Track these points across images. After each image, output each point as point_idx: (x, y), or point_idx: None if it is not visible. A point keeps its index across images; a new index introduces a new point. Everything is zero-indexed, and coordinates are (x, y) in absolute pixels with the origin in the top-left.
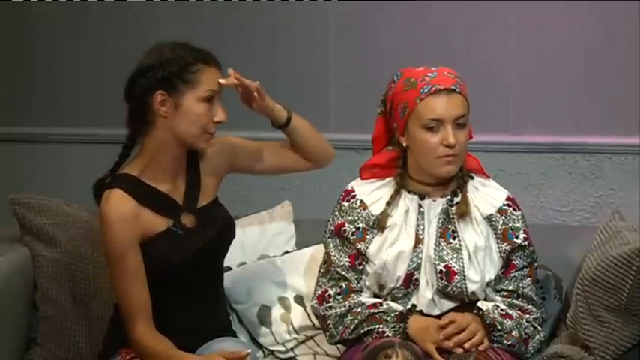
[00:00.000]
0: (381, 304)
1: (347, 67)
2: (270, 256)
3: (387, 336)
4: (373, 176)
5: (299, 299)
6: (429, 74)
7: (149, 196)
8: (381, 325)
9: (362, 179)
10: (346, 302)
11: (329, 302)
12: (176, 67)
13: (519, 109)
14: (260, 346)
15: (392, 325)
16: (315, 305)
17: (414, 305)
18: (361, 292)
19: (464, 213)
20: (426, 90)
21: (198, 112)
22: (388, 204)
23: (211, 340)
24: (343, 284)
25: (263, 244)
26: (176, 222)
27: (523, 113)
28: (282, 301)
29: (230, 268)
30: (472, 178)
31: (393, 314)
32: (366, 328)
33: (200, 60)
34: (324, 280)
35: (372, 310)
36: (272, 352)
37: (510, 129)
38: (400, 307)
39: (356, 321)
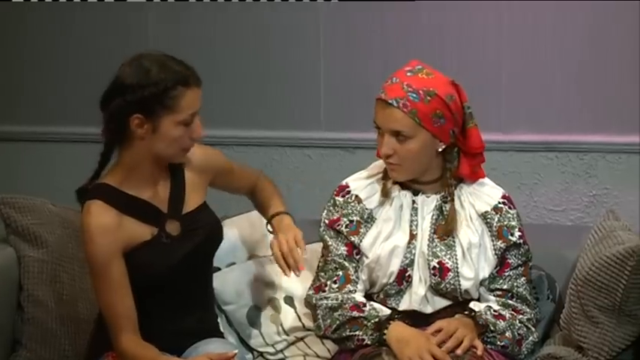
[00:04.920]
0: (365, 306)
1: (337, 65)
2: (260, 257)
3: (367, 344)
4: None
5: (289, 300)
6: (394, 78)
7: (131, 204)
8: (361, 332)
9: (378, 156)
10: (339, 295)
11: (324, 291)
12: (155, 92)
13: (511, 107)
14: (250, 348)
15: (370, 333)
16: (310, 293)
17: (394, 310)
18: (357, 282)
19: (449, 231)
20: (379, 92)
21: (176, 135)
22: (384, 177)
23: (198, 342)
24: (341, 272)
25: (252, 244)
26: (161, 230)
27: (515, 111)
28: (272, 302)
29: (219, 269)
30: (462, 181)
31: (373, 320)
32: (348, 332)
33: (180, 83)
34: (322, 273)
35: (354, 314)
36: (262, 353)
37: (502, 127)
38: (384, 312)
39: (337, 322)
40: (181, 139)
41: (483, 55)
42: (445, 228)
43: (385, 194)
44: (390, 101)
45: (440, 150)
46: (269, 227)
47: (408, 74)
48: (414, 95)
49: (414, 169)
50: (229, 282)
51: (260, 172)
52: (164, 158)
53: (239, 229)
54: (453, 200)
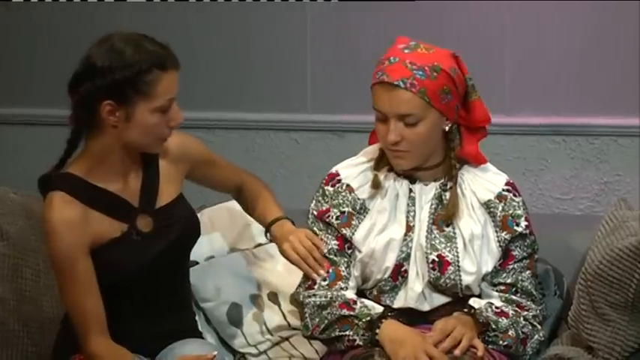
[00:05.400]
0: (355, 303)
1: (325, 45)
2: (242, 250)
3: (358, 345)
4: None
5: (273, 297)
6: (391, 58)
7: (98, 197)
8: (352, 332)
9: (370, 143)
10: (328, 293)
11: (313, 289)
12: (128, 76)
13: (515, 87)
14: (231, 349)
15: (361, 333)
16: (299, 290)
17: (388, 308)
18: (349, 279)
19: (449, 217)
20: (377, 76)
21: (152, 123)
22: (376, 167)
23: (174, 342)
24: (331, 269)
25: (233, 235)
26: (131, 227)
27: (520, 91)
28: (255, 299)
29: (197, 263)
30: (466, 163)
31: (364, 319)
32: (337, 332)
33: (156, 65)
34: None
35: (344, 312)
36: (243, 354)
37: (506, 109)
38: (376, 310)
39: (325, 321)
40: (158, 128)
41: (485, 29)
42: (445, 214)
43: (376, 186)
44: (395, 83)
45: (447, 129)
46: (268, 236)
47: (406, 51)
48: (421, 73)
49: (422, 153)
50: (208, 277)
51: (249, 172)
52: (138, 148)
53: (219, 219)
54: (455, 184)
